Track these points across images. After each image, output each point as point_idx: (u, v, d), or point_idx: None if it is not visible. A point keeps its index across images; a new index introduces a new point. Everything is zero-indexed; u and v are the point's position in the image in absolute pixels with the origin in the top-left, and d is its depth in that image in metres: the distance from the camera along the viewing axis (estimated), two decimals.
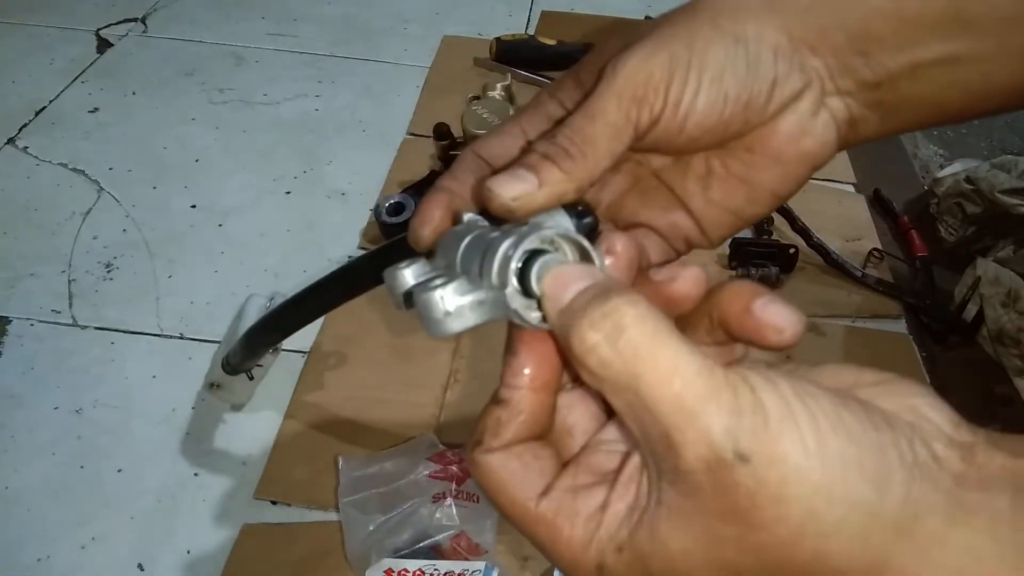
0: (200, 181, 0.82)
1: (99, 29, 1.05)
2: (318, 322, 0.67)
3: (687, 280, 0.23)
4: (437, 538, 0.48)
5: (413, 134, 0.90)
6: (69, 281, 0.70)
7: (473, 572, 0.44)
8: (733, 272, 0.73)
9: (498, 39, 1.02)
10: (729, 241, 0.74)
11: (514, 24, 1.13)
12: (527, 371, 0.23)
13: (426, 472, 0.52)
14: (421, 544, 0.48)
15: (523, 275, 0.22)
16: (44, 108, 0.91)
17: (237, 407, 0.60)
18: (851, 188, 0.88)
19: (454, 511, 0.49)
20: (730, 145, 0.27)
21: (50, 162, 0.83)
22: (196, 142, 0.88)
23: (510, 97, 0.80)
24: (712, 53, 0.24)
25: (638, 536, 0.20)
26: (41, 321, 0.66)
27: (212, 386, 0.59)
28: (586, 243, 0.22)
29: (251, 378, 0.60)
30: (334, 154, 0.87)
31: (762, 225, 0.77)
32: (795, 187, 0.27)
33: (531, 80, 1.00)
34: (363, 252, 0.75)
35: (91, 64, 0.99)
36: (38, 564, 0.51)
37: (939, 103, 0.27)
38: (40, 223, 0.76)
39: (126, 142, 0.87)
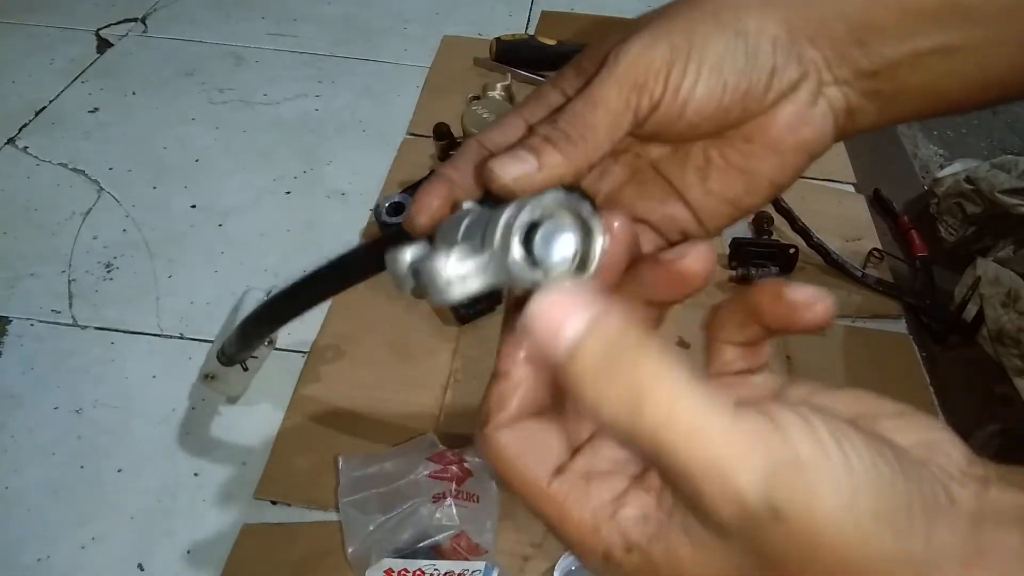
0: (200, 181, 0.82)
1: (99, 29, 1.05)
2: (318, 321, 0.67)
3: (697, 256, 0.23)
4: (437, 538, 0.48)
5: (413, 134, 0.90)
6: (69, 281, 0.70)
7: (473, 572, 0.44)
8: (733, 272, 0.73)
9: (498, 39, 1.02)
10: (729, 241, 0.74)
11: (514, 24, 1.13)
12: (525, 345, 0.23)
13: (426, 472, 0.52)
14: (421, 544, 0.48)
15: (527, 240, 0.22)
16: (44, 108, 0.91)
17: (232, 399, 0.61)
18: (851, 188, 0.88)
19: (454, 511, 0.49)
20: (728, 135, 0.27)
21: (50, 162, 0.83)
22: (196, 142, 0.88)
23: (510, 97, 0.80)
24: (712, 45, 0.25)
25: (654, 547, 0.20)
26: (41, 321, 0.66)
27: (207, 377, 0.59)
28: (587, 212, 0.23)
29: (245, 369, 0.60)
30: (334, 154, 0.87)
31: (762, 225, 0.77)
32: (793, 176, 0.27)
33: (531, 80, 1.00)
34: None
35: (91, 64, 0.99)
36: (38, 564, 0.51)
37: (937, 92, 0.27)
38: (40, 223, 0.76)
39: (126, 142, 0.87)
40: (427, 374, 0.63)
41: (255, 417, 0.60)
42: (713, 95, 0.25)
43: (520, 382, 0.23)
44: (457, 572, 0.45)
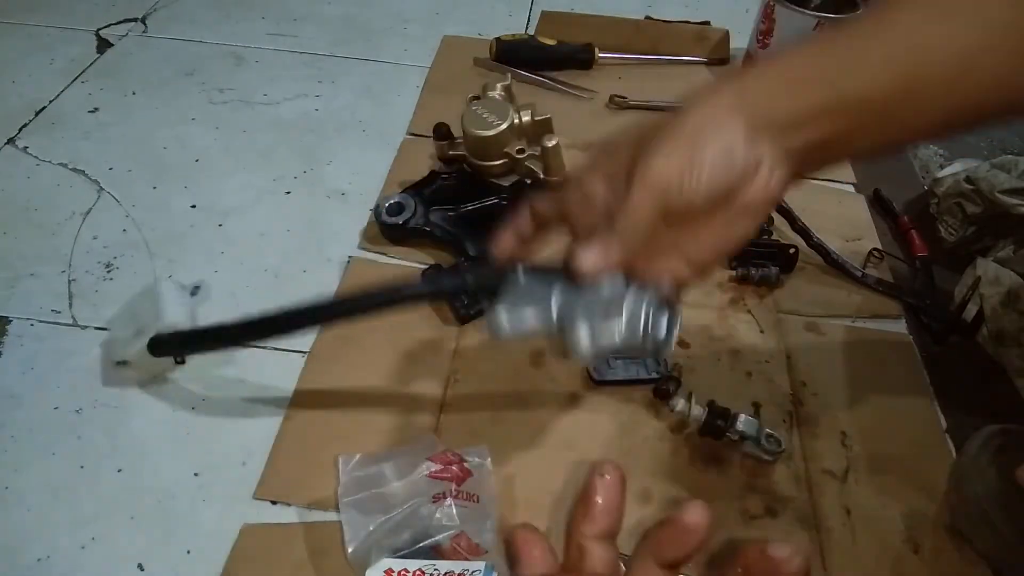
0: (200, 181, 0.82)
1: (99, 29, 1.05)
2: None
3: (694, 512, 0.34)
4: (437, 538, 0.48)
5: (413, 134, 0.90)
6: (69, 281, 0.70)
7: (473, 572, 0.44)
8: (733, 272, 0.73)
9: (498, 39, 1.02)
10: None
11: (514, 24, 1.13)
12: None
13: (426, 472, 0.52)
14: (421, 544, 0.48)
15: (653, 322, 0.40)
16: (44, 108, 0.91)
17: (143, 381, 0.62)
18: (851, 188, 0.88)
19: (454, 511, 0.49)
20: (717, 205, 0.39)
21: (50, 162, 0.83)
22: (196, 142, 0.88)
23: (510, 97, 0.80)
24: (708, 156, 0.38)
25: None
26: (41, 321, 0.66)
27: (120, 363, 0.60)
28: (671, 304, 0.41)
29: (182, 363, 0.61)
30: (334, 154, 0.87)
31: (762, 225, 0.77)
32: (762, 222, 0.45)
33: (531, 80, 1.00)
34: (359, 252, 0.75)
35: (91, 64, 0.99)
36: (38, 564, 0.51)
37: (851, 154, 0.42)
38: (40, 223, 0.76)
39: (126, 142, 0.87)
40: (427, 374, 0.63)
41: (255, 417, 0.60)
42: (711, 191, 0.38)
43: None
44: (457, 572, 0.45)
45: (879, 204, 0.86)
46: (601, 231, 0.40)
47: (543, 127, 0.76)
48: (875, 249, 0.78)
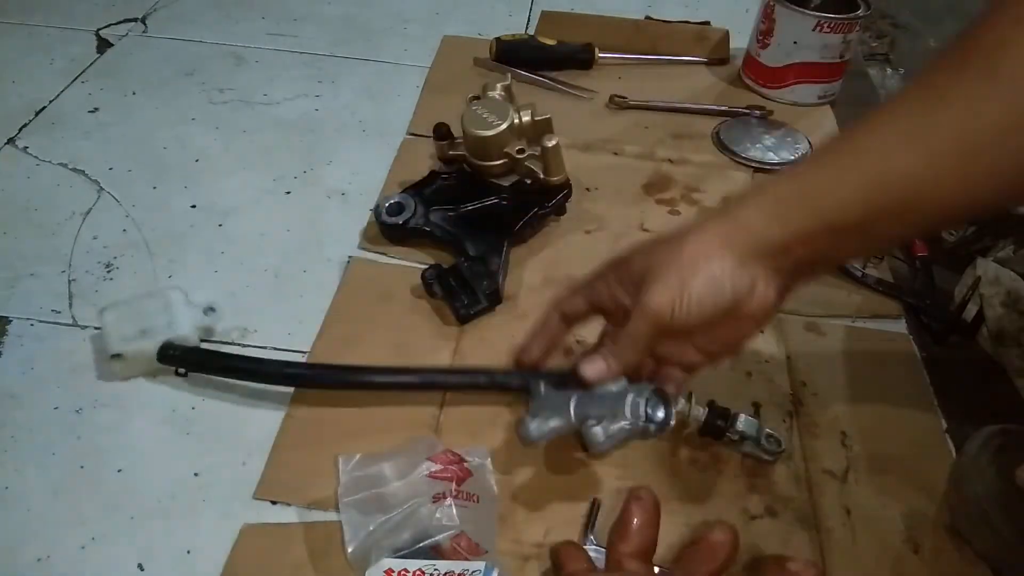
0: (200, 181, 0.82)
1: (99, 29, 1.05)
2: (317, 322, 0.67)
3: (720, 532, 0.45)
4: (437, 538, 0.48)
5: (413, 134, 0.90)
6: (69, 281, 0.70)
7: (473, 572, 0.44)
8: None
9: (498, 39, 1.02)
10: None
11: (514, 24, 1.13)
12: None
13: (426, 472, 0.52)
14: (421, 544, 0.48)
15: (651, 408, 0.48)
16: (44, 108, 0.91)
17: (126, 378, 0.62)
18: None
19: (454, 511, 0.49)
20: (725, 316, 0.46)
21: (50, 162, 0.83)
22: (196, 142, 0.88)
23: (510, 97, 0.80)
24: (697, 288, 0.45)
25: None
26: (41, 321, 0.66)
27: (115, 357, 0.60)
28: (667, 395, 0.50)
29: (184, 375, 0.61)
30: (334, 154, 0.87)
31: None
32: (769, 322, 0.55)
33: (531, 80, 1.00)
34: (359, 252, 0.75)
35: (91, 64, 0.99)
36: (38, 564, 0.51)
37: (841, 263, 0.52)
38: (40, 223, 0.76)
39: (126, 142, 0.87)
40: None
41: (255, 417, 0.60)
42: (701, 316, 0.45)
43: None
44: (457, 572, 0.45)
45: None
46: (606, 344, 0.51)
47: (543, 127, 0.76)
48: None
